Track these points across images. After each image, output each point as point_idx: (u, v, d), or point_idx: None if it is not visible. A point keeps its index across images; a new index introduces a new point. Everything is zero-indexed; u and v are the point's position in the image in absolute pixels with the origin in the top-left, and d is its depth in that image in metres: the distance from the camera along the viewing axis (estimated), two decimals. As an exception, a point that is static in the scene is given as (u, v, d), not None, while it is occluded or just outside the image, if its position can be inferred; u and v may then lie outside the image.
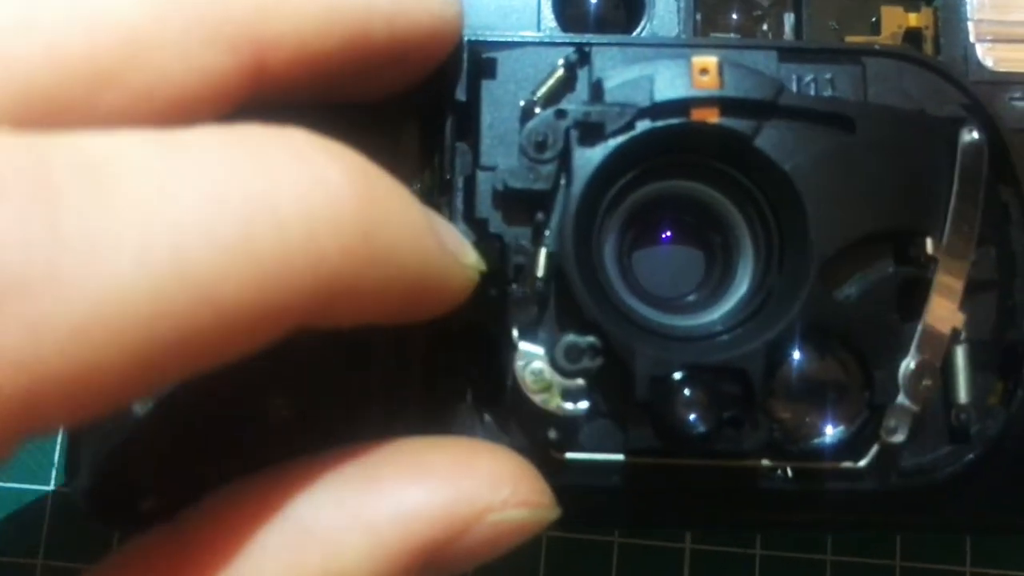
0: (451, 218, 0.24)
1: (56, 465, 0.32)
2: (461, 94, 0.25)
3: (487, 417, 0.24)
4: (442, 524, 0.19)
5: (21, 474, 0.33)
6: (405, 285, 0.19)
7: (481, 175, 0.24)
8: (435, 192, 0.25)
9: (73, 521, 0.32)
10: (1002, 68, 0.27)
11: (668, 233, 0.26)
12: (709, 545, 0.32)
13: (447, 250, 0.20)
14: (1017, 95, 0.26)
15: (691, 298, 0.25)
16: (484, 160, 0.24)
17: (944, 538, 0.32)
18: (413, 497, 0.19)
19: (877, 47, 0.26)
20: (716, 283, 0.25)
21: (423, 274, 0.19)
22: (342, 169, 0.17)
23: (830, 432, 0.23)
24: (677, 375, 0.22)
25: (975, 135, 0.25)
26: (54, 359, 0.14)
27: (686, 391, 0.22)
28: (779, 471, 0.24)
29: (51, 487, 0.33)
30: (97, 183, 0.15)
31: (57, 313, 0.14)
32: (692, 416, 0.22)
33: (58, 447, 0.33)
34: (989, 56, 0.28)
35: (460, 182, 0.24)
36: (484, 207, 0.24)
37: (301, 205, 0.16)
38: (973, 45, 0.27)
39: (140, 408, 0.23)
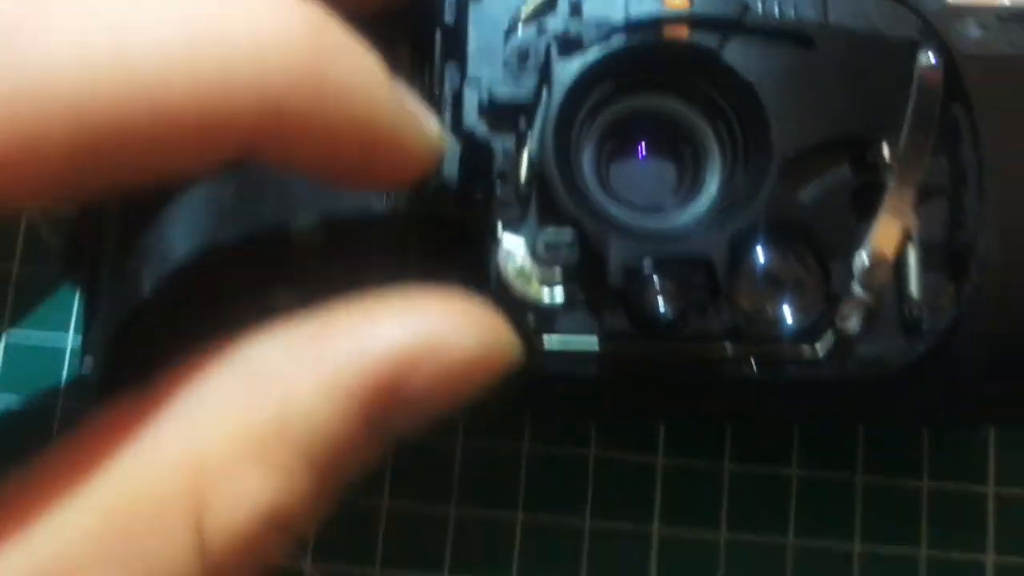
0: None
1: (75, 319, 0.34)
2: (449, 17, 0.27)
3: (473, 308, 0.26)
4: (394, 360, 0.19)
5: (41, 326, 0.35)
6: (359, 130, 0.19)
7: (468, 88, 0.26)
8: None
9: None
10: (958, -1, 0.29)
11: (642, 148, 0.28)
12: (680, 459, 0.34)
13: (406, 109, 0.20)
14: (970, 23, 0.28)
15: (663, 205, 0.27)
16: (471, 74, 0.26)
17: (902, 450, 0.34)
18: (363, 337, 0.19)
19: (836, -28, 0.28)
20: (687, 191, 0.27)
21: (378, 123, 0.19)
22: (299, 6, 0.18)
23: (789, 318, 0.25)
24: (647, 265, 0.24)
25: (931, 58, 0.27)
26: None
27: (656, 280, 0.24)
28: (743, 361, 0.26)
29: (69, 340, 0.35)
30: None
31: None
32: (662, 303, 0.24)
33: (75, 303, 0.35)
34: (945, -14, 0.30)
35: (448, 97, 0.26)
36: (471, 118, 0.26)
37: (252, 28, 0.17)
38: (930, -25, 0.29)
39: (151, 284, 0.25)
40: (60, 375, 0.35)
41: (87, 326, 0.26)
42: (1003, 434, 0.34)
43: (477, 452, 0.34)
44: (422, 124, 0.21)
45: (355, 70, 0.19)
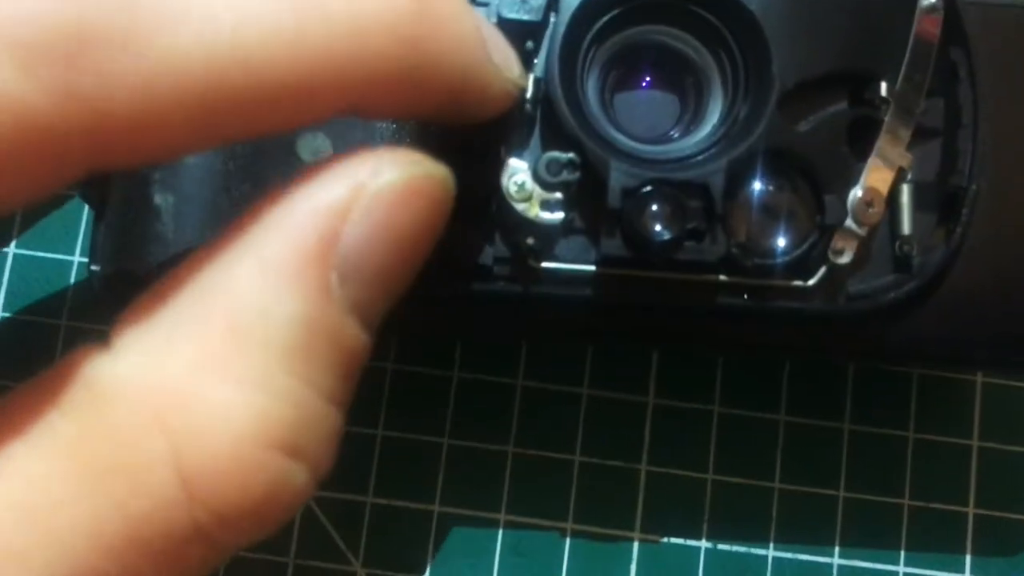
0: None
1: (81, 237, 0.35)
2: (460, -60, 0.27)
3: (472, 231, 0.26)
4: (320, 217, 0.18)
5: (48, 244, 0.35)
6: (448, 89, 0.20)
7: (477, 9, 0.26)
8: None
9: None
10: (962, -55, 0.30)
11: (647, 79, 0.28)
12: (670, 400, 0.35)
13: (492, 62, 0.21)
14: (974, -32, 0.29)
15: (666, 135, 0.28)
16: (480, -2, 0.27)
17: (889, 400, 0.34)
18: (286, 211, 0.18)
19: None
20: (689, 122, 0.28)
21: (466, 82, 0.20)
22: None
23: (782, 249, 0.25)
24: (646, 188, 0.25)
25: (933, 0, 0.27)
26: (119, 104, 0.16)
27: (654, 204, 0.25)
28: (736, 290, 0.26)
29: (76, 256, 0.35)
30: None
31: (128, 66, 0.16)
32: (658, 226, 0.25)
33: (84, 218, 0.35)
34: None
35: (458, 19, 0.27)
36: (479, 40, 0.26)
37: (353, 7, 0.18)
38: (936, -79, 0.30)
39: (160, 199, 0.26)
40: (67, 287, 0.35)
41: (94, 233, 0.27)
42: (987, 389, 0.35)
43: (471, 385, 0.35)
44: (505, 72, 0.22)
45: (453, 36, 0.19)
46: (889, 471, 0.35)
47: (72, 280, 0.35)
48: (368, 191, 0.18)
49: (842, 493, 0.34)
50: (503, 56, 0.22)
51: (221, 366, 0.17)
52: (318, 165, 0.19)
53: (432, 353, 0.34)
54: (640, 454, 0.34)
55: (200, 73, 0.17)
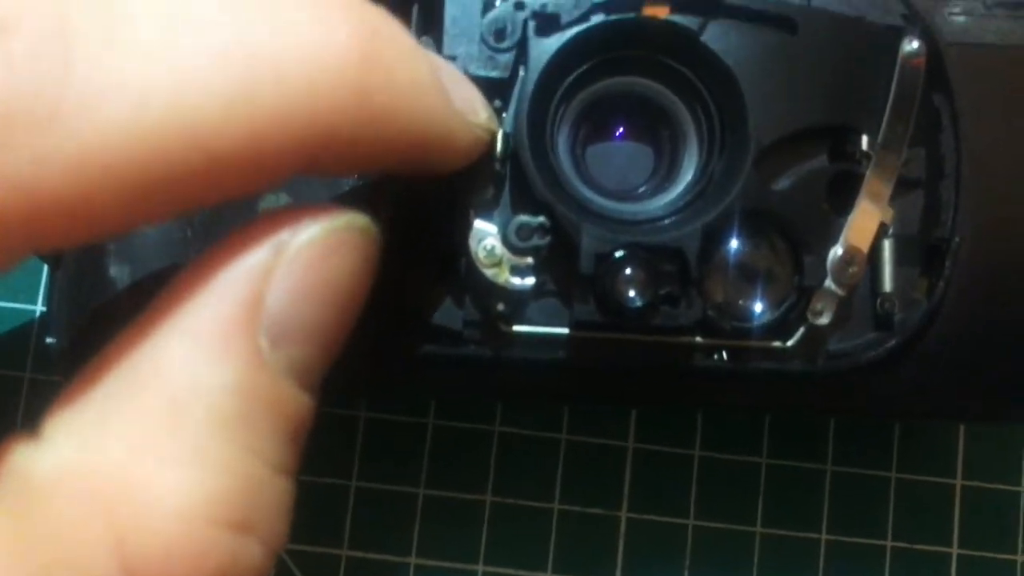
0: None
1: (43, 287, 0.34)
2: (426, -12, 0.26)
3: (442, 291, 0.25)
4: (245, 281, 0.17)
5: (9, 294, 0.34)
6: (407, 140, 0.19)
7: (443, 63, 0.25)
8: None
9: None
10: (944, -16, 0.29)
11: (620, 129, 0.27)
12: (650, 444, 0.34)
13: (454, 110, 0.20)
14: (956, 10, 0.28)
15: (640, 190, 0.27)
16: (447, 50, 0.25)
17: (871, 441, 0.34)
18: (211, 279, 0.17)
19: (823, -44, 0.27)
20: (663, 176, 0.27)
21: (427, 131, 0.19)
22: (351, 25, 0.17)
23: (760, 310, 0.25)
24: (619, 253, 0.24)
25: (915, 45, 0.26)
26: (54, 186, 0.15)
27: (627, 269, 0.24)
28: (713, 351, 0.26)
29: (38, 306, 0.34)
30: (110, 24, 0.16)
31: (61, 146, 0.15)
32: (631, 292, 0.24)
33: (45, 269, 0.34)
34: (934, -26, 0.29)
35: (423, 72, 0.26)
36: (445, 95, 0.25)
37: (303, 63, 0.17)
38: (917, -39, 0.29)
39: (115, 271, 0.25)
40: (28, 342, 0.34)
41: (50, 305, 0.26)
42: (970, 429, 0.34)
43: (447, 433, 0.34)
44: (470, 119, 0.21)
45: (407, 84, 0.18)
46: (872, 512, 0.34)
47: (35, 330, 0.34)
48: (289, 250, 0.18)
49: (824, 536, 0.34)
50: (467, 100, 0.21)
51: (158, 446, 0.16)
52: (240, 230, 0.18)
53: (408, 404, 0.34)
54: (620, 501, 0.34)
55: (140, 147, 0.16)
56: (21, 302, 0.34)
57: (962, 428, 0.35)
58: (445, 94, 0.20)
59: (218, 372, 0.17)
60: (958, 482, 0.34)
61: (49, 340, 0.25)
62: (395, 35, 0.18)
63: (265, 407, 0.17)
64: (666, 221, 0.25)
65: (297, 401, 0.18)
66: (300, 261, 0.18)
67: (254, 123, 0.17)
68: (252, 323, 0.17)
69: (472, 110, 0.21)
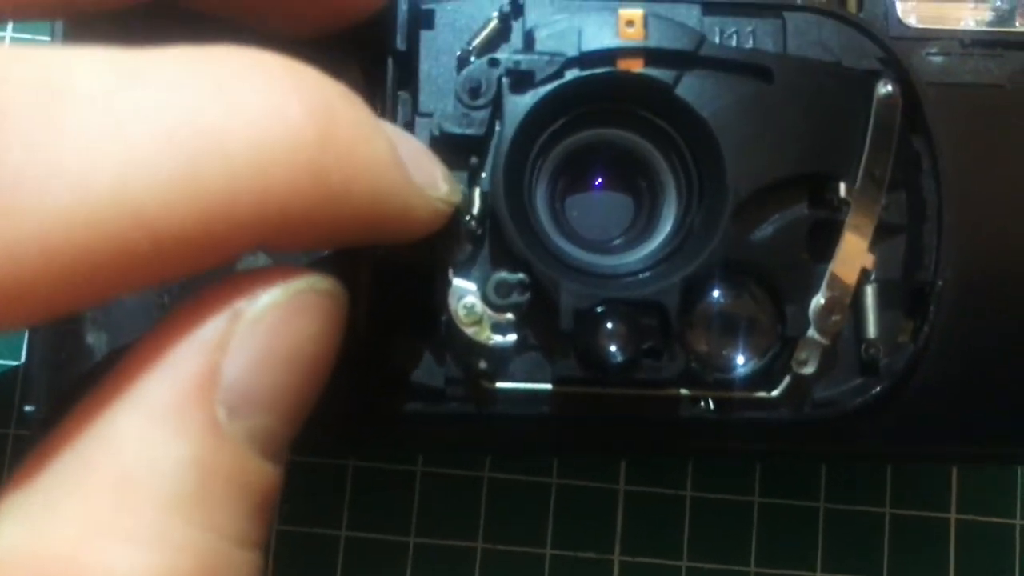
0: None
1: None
2: (401, 44, 0.26)
3: (423, 348, 0.25)
4: (200, 352, 0.17)
5: None
6: (363, 219, 0.19)
7: (419, 121, 0.25)
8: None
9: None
10: (922, 24, 0.29)
11: (599, 180, 0.27)
12: (641, 486, 0.34)
13: (412, 183, 0.20)
14: (933, 51, 0.28)
15: (619, 241, 0.27)
16: (422, 107, 0.25)
17: (865, 478, 0.34)
18: (167, 352, 0.17)
19: (798, 2, 0.27)
20: (643, 226, 0.26)
21: (384, 207, 0.19)
22: (305, 102, 0.17)
23: (744, 363, 0.25)
24: (599, 308, 0.24)
25: (890, 88, 0.26)
26: None
27: (608, 324, 0.24)
28: (698, 401, 0.25)
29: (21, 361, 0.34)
30: (48, 108, 0.15)
31: None
32: (613, 347, 0.24)
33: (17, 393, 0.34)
34: (912, 13, 0.29)
35: (400, 127, 0.26)
36: (422, 152, 0.25)
37: (253, 142, 0.16)
38: (894, 2, 0.29)
39: (93, 339, 0.24)
40: (12, 398, 0.34)
41: (27, 372, 0.26)
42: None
43: (436, 480, 0.34)
44: (430, 192, 0.20)
45: (364, 162, 0.18)
46: (866, 548, 0.34)
47: (19, 387, 0.34)
48: (245, 317, 0.17)
49: (819, 574, 0.34)
50: (427, 174, 0.21)
51: (110, 526, 0.16)
52: (197, 297, 0.18)
53: (393, 458, 0.33)
54: (613, 544, 0.33)
55: (82, 231, 0.15)
56: (4, 358, 0.34)
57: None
58: (404, 170, 0.19)
59: (173, 446, 0.16)
60: (952, 516, 0.34)
61: (27, 408, 0.25)
62: (352, 112, 0.18)
63: (225, 480, 0.17)
64: (646, 274, 0.25)
65: (260, 471, 0.17)
66: (259, 328, 0.17)
67: (202, 205, 0.16)
68: (208, 394, 0.17)
69: (432, 183, 0.21)
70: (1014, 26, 0.29)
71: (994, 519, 0.34)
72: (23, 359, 0.34)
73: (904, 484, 0.34)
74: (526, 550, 0.33)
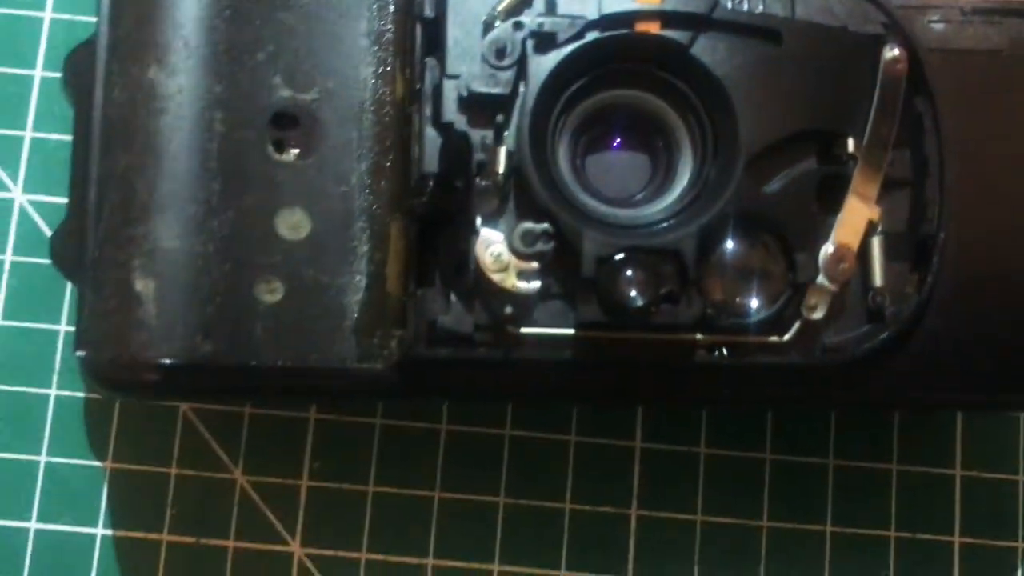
0: (420, 124, 0.27)
1: (66, 306, 0.35)
2: (429, 11, 0.27)
3: (453, 296, 0.27)
4: None
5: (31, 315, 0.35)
6: None
7: (447, 83, 0.27)
8: (406, 101, 0.28)
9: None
10: (924, -7, 0.30)
11: (617, 140, 0.29)
12: (657, 443, 0.35)
13: None
14: (935, 18, 0.29)
15: (638, 196, 0.28)
16: (450, 70, 0.27)
17: (872, 435, 0.35)
18: None
19: (806, -30, 0.29)
20: (660, 182, 0.28)
21: None
22: None
23: (756, 306, 0.26)
24: (620, 256, 0.25)
25: (896, 51, 0.28)
26: None
27: (628, 271, 0.25)
28: (713, 349, 0.27)
29: (62, 326, 0.35)
30: None
31: None
32: (633, 292, 0.25)
33: (68, 288, 0.35)
34: (914, -17, 0.31)
35: (429, 91, 0.27)
36: (450, 112, 0.27)
37: None
38: (898, -28, 0.30)
39: (141, 285, 0.26)
40: (54, 360, 0.35)
41: (79, 320, 0.27)
42: (968, 419, 0.35)
43: (460, 438, 0.35)
44: None
45: None
46: (874, 504, 0.35)
47: (59, 350, 0.35)
48: None
49: (829, 527, 0.35)
50: None
51: None
52: None
53: (420, 408, 0.35)
54: (630, 499, 0.35)
55: None
56: (44, 322, 0.35)
57: (960, 420, 0.35)
58: None
59: None
60: (958, 472, 0.35)
61: (79, 353, 0.26)
62: None
63: None
64: (664, 225, 0.26)
65: None
66: None
67: None
68: None
69: None
70: (1013, -5, 0.30)
71: (999, 475, 0.35)
72: (61, 321, 0.35)
73: (910, 442, 0.35)
74: (547, 504, 0.35)
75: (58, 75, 0.32)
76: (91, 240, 0.27)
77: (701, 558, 0.34)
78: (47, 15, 0.37)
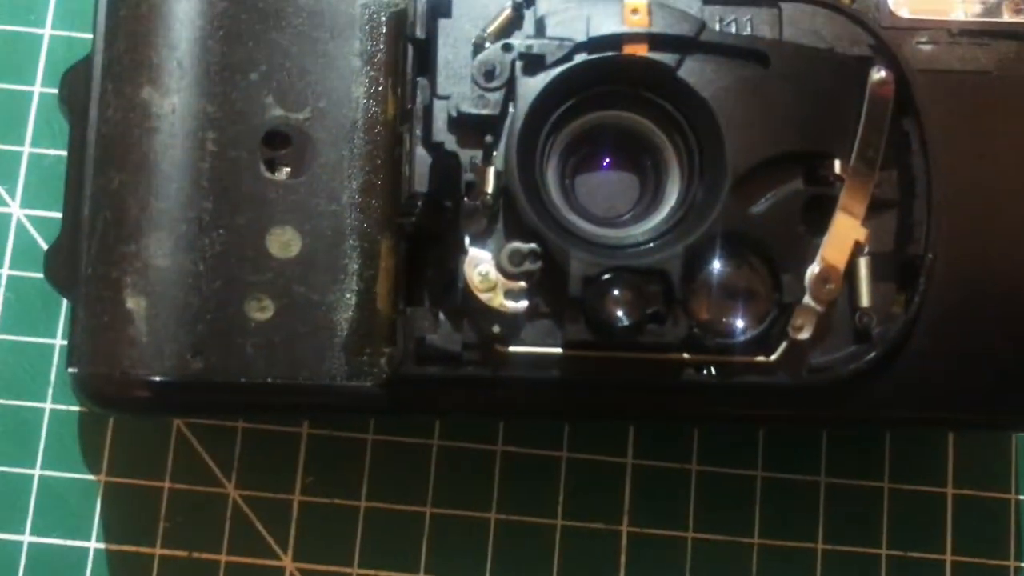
0: (411, 143, 0.27)
1: (62, 320, 0.35)
2: (420, 32, 0.28)
3: (441, 315, 0.27)
4: None
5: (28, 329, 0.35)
6: None
7: (437, 103, 0.27)
8: (397, 121, 0.29)
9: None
10: (913, 15, 0.30)
11: (606, 160, 0.29)
12: (648, 460, 0.35)
13: None
14: (923, 39, 0.30)
15: (626, 216, 0.28)
16: (440, 90, 0.27)
17: (864, 453, 0.35)
18: None
19: (794, -7, 0.29)
20: (648, 203, 0.28)
21: None
22: None
23: (742, 327, 0.26)
24: (606, 276, 0.25)
25: (883, 73, 0.28)
26: None
27: (614, 290, 0.25)
28: (700, 367, 0.27)
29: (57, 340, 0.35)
30: None
31: None
32: (619, 312, 0.25)
33: (64, 303, 0.35)
34: (904, 5, 0.31)
35: (419, 111, 0.27)
36: (440, 132, 0.27)
37: None
38: (886, -6, 0.30)
39: (133, 303, 0.26)
40: (49, 374, 0.36)
41: (71, 337, 0.27)
42: (959, 438, 0.35)
43: (451, 454, 0.35)
44: None
45: None
46: (866, 522, 0.35)
47: (55, 363, 0.35)
48: None
49: (821, 545, 0.35)
50: None
51: None
52: None
53: (411, 424, 0.35)
54: (621, 515, 0.35)
55: None
56: (40, 336, 0.35)
57: (951, 438, 0.35)
58: None
59: None
60: (949, 491, 0.35)
61: (71, 370, 0.27)
62: None
63: None
64: (650, 245, 0.26)
65: None
66: None
67: None
68: None
69: None
70: (1001, 17, 0.30)
71: (991, 493, 0.35)
72: (59, 335, 0.36)
73: (902, 460, 0.35)
74: (538, 521, 0.35)
75: (56, 91, 0.32)
76: (84, 257, 0.27)
77: (692, 575, 0.34)
78: (47, 32, 0.38)
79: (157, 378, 0.26)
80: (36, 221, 0.36)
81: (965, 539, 0.35)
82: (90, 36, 0.31)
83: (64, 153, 0.32)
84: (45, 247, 0.36)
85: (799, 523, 0.35)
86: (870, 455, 0.35)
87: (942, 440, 0.36)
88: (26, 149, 0.37)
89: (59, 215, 0.31)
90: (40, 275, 0.35)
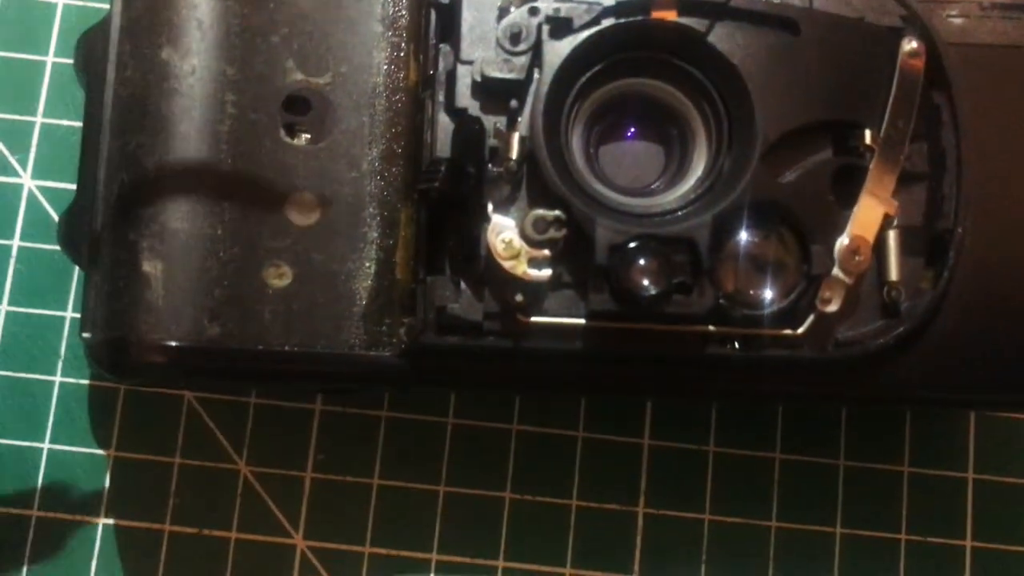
0: (433, 109, 0.27)
1: (73, 293, 0.35)
2: (444, -3, 0.27)
3: (462, 284, 0.26)
4: None
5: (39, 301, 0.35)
6: None
7: (461, 68, 0.27)
8: (419, 87, 0.28)
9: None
10: (942, -12, 0.30)
11: (632, 130, 0.28)
12: (665, 441, 0.35)
13: None
14: (953, 12, 0.29)
15: (652, 185, 0.28)
16: (464, 55, 0.27)
17: (884, 436, 0.35)
18: None
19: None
20: (674, 172, 0.28)
21: None
22: None
23: (770, 298, 0.26)
24: (633, 244, 0.25)
25: (915, 43, 0.28)
26: None
27: (640, 259, 0.25)
28: (725, 342, 0.26)
29: (68, 312, 0.35)
30: None
31: None
32: (645, 281, 0.25)
33: (75, 274, 0.35)
34: (934, -22, 0.30)
35: (442, 76, 0.27)
36: (464, 97, 0.26)
37: None
38: (917, -34, 0.30)
39: (149, 267, 0.26)
40: (59, 347, 0.35)
41: (86, 301, 0.27)
42: (981, 421, 0.35)
43: (466, 432, 0.35)
44: None
45: None
46: (885, 506, 0.35)
47: (65, 336, 0.35)
48: None
49: (839, 529, 0.34)
50: None
51: None
52: None
53: (426, 401, 0.34)
54: (637, 497, 0.34)
55: None
56: (51, 308, 0.35)
57: (972, 422, 0.35)
58: None
59: None
60: (970, 475, 0.35)
61: (85, 335, 0.26)
62: None
63: None
64: (678, 213, 0.26)
65: None
66: None
67: None
68: None
69: None
70: (1031, -8, 0.30)
71: (1011, 478, 0.35)
72: (68, 307, 0.35)
73: (922, 443, 0.35)
74: (553, 500, 0.34)
75: (69, 61, 0.32)
76: (99, 220, 0.27)
77: (708, 557, 0.34)
78: (60, 1, 0.37)
79: (173, 343, 0.26)
80: (48, 192, 0.36)
81: (985, 525, 0.35)
82: (104, 5, 0.30)
83: (77, 124, 0.32)
84: (56, 218, 0.35)
85: (817, 507, 0.34)
86: (890, 439, 0.35)
87: (963, 424, 0.35)
88: (38, 119, 0.36)
89: (71, 187, 0.31)
90: (51, 247, 0.35)
